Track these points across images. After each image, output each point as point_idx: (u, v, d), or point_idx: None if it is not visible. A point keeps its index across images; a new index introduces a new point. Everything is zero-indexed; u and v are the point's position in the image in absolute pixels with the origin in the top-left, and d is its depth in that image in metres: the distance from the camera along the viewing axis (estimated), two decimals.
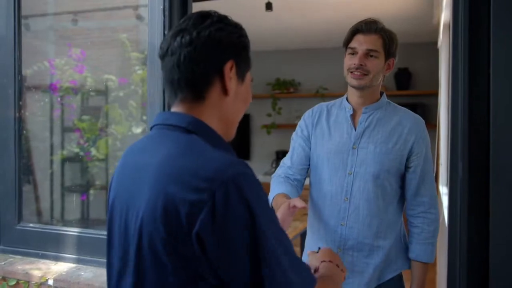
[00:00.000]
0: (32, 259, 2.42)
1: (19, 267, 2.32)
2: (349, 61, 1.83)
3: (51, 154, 2.68)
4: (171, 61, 1.06)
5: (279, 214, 1.61)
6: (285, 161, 2.01)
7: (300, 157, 1.96)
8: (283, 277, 0.94)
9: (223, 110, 1.09)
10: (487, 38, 1.51)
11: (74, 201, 2.69)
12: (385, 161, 1.81)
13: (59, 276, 2.21)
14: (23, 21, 2.52)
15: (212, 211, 0.89)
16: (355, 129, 1.86)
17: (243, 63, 1.11)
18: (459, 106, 1.58)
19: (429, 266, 1.90)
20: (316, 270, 1.24)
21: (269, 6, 4.13)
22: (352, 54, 1.83)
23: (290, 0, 4.28)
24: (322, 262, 1.26)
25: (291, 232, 3.49)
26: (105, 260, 2.31)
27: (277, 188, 1.88)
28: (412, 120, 1.86)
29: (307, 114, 2.00)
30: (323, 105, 2.00)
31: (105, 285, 2.08)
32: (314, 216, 1.95)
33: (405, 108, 1.93)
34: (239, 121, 1.17)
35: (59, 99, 2.66)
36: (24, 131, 2.56)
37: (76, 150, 2.63)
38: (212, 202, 0.89)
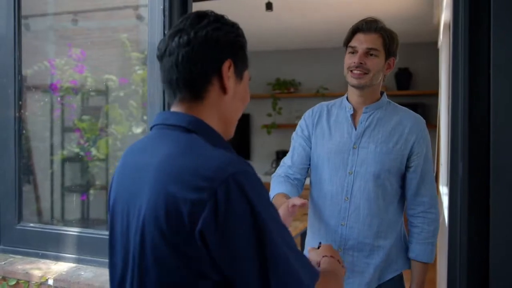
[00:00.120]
0: (32, 259, 2.42)
1: (19, 267, 2.32)
2: (349, 60, 1.83)
3: (52, 154, 2.68)
4: (169, 61, 1.06)
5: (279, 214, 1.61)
6: (286, 160, 2.01)
7: (301, 156, 1.95)
8: (289, 271, 0.94)
9: (222, 109, 1.10)
10: (487, 38, 1.50)
11: (74, 201, 2.69)
12: (386, 161, 1.80)
13: (59, 276, 2.21)
14: (23, 21, 2.52)
15: (214, 210, 0.90)
16: (356, 129, 1.86)
17: (240, 62, 1.11)
18: (459, 106, 1.58)
19: (429, 266, 1.90)
20: (317, 265, 1.25)
21: (269, 6, 4.12)
22: (352, 53, 1.83)
23: (290, 0, 4.28)
24: (323, 257, 1.27)
25: (292, 232, 3.48)
26: (105, 260, 2.31)
27: (277, 188, 1.88)
28: (413, 119, 1.86)
29: (307, 114, 2.00)
30: (323, 104, 2.00)
31: (105, 284, 2.09)
32: (314, 216, 1.95)
33: (405, 108, 1.92)
34: (237, 120, 1.18)
35: (59, 99, 2.66)
36: (25, 131, 2.56)
37: (76, 150, 2.63)
38: (214, 201, 0.90)
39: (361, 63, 1.79)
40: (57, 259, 2.39)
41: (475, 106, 1.54)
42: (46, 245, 2.42)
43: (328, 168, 1.87)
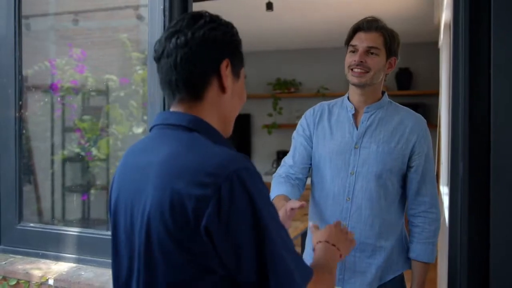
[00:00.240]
0: (33, 258, 2.42)
1: (19, 266, 2.32)
2: (350, 59, 1.83)
3: (52, 154, 2.68)
4: (167, 63, 1.07)
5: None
6: (287, 160, 2.00)
7: (302, 156, 1.95)
8: (285, 271, 0.97)
9: (221, 108, 1.11)
10: (487, 38, 1.50)
11: (74, 201, 2.69)
12: (388, 161, 1.80)
13: (59, 276, 2.21)
14: (23, 21, 2.52)
15: (218, 205, 0.92)
16: (357, 129, 1.86)
17: (237, 60, 1.13)
18: (459, 106, 1.58)
19: (430, 266, 1.89)
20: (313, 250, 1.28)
21: (269, 6, 4.13)
22: (353, 51, 1.83)
23: (290, 0, 4.28)
24: (318, 243, 1.31)
25: (292, 232, 3.49)
26: (106, 260, 2.32)
27: (277, 188, 1.87)
28: (414, 119, 1.86)
29: (308, 113, 2.00)
30: (324, 104, 1.99)
31: (105, 285, 2.09)
32: (316, 216, 1.94)
33: (406, 108, 1.92)
34: (235, 118, 1.19)
35: (59, 99, 2.66)
36: (25, 131, 2.56)
37: (77, 150, 2.63)
38: (218, 196, 0.92)
39: (361, 61, 1.79)
40: (58, 259, 2.39)
41: (475, 106, 1.54)
42: (47, 245, 2.42)
43: (329, 168, 1.87)
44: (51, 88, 2.64)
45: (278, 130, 6.71)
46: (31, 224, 2.52)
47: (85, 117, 2.61)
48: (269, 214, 0.97)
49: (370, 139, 1.83)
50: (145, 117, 2.41)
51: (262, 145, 6.95)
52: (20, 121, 2.51)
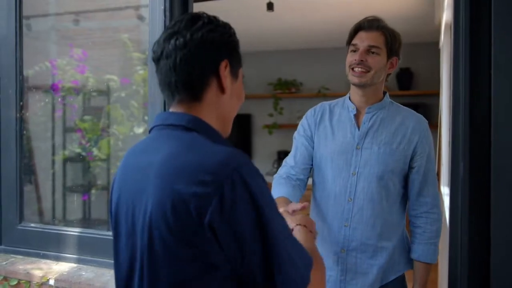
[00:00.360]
0: (33, 259, 2.42)
1: (20, 267, 2.32)
2: (351, 58, 1.82)
3: (53, 154, 2.68)
4: (166, 64, 1.08)
5: None
6: (288, 160, 1.99)
7: (304, 156, 1.94)
8: (290, 260, 0.99)
9: (220, 108, 1.12)
10: (488, 38, 1.50)
11: (75, 201, 2.69)
12: (389, 162, 1.80)
13: (60, 276, 2.21)
14: (24, 22, 2.52)
15: (221, 202, 0.93)
16: (359, 129, 1.85)
17: (235, 61, 1.14)
18: (460, 106, 1.58)
19: (432, 267, 1.88)
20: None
21: (270, 6, 4.13)
22: (354, 51, 1.82)
23: (291, 0, 4.28)
24: (296, 225, 1.33)
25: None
26: (106, 260, 2.32)
27: (278, 190, 1.85)
28: (415, 119, 1.86)
29: (309, 113, 1.99)
30: (325, 104, 1.99)
31: (106, 285, 2.09)
32: (317, 217, 1.93)
33: (407, 108, 1.92)
34: (235, 118, 1.21)
35: (60, 99, 2.66)
36: (26, 131, 2.56)
37: (78, 150, 2.63)
38: (220, 194, 0.93)
39: (362, 60, 1.78)
40: (58, 259, 2.40)
41: (475, 106, 1.54)
42: (47, 245, 2.43)
43: (331, 169, 1.87)
44: (52, 89, 2.64)
45: (279, 130, 6.71)
46: (32, 224, 2.52)
47: (86, 117, 2.61)
48: (270, 207, 0.99)
49: (372, 140, 1.83)
50: (146, 117, 2.41)
51: (263, 145, 6.95)
52: (21, 122, 2.51)
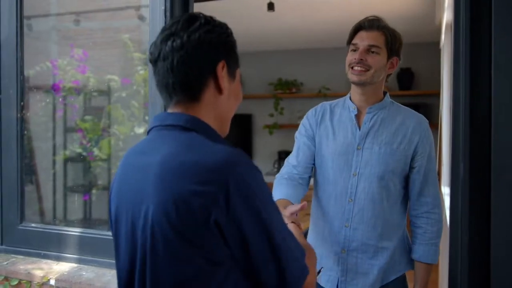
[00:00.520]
0: (34, 259, 2.42)
1: (21, 267, 2.32)
2: (351, 57, 1.82)
3: (54, 154, 2.69)
4: (164, 66, 1.08)
5: None
6: (290, 160, 1.97)
7: (306, 155, 1.93)
8: (290, 251, 1.03)
9: (218, 108, 1.13)
10: (488, 38, 1.50)
11: (76, 201, 2.69)
12: (390, 162, 1.80)
13: (61, 276, 2.22)
14: (25, 22, 2.53)
15: (226, 200, 0.95)
16: (360, 129, 1.85)
17: (232, 61, 1.14)
18: (460, 106, 1.58)
19: (433, 267, 1.88)
20: None
21: (271, 6, 4.13)
22: (354, 50, 1.82)
23: (291, 0, 4.28)
24: (290, 223, 1.41)
25: None
26: (106, 260, 2.33)
27: (279, 191, 1.84)
28: (416, 119, 1.85)
29: (310, 113, 1.99)
30: (326, 104, 1.99)
31: (107, 285, 2.10)
32: (318, 216, 1.93)
33: (408, 108, 1.91)
34: (235, 118, 1.22)
35: (61, 99, 2.66)
36: (27, 132, 2.57)
37: (79, 150, 2.64)
38: (226, 192, 0.95)
39: (361, 59, 1.78)
40: (59, 259, 2.40)
41: (476, 106, 1.54)
42: (48, 245, 2.43)
43: (332, 169, 1.87)
44: (53, 89, 2.64)
45: (280, 131, 6.71)
46: (33, 224, 2.53)
47: (87, 117, 2.61)
48: (269, 204, 1.02)
49: (373, 140, 1.83)
50: (146, 118, 2.41)
51: (264, 145, 6.95)
52: (22, 122, 2.52)
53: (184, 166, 0.98)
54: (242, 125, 6.85)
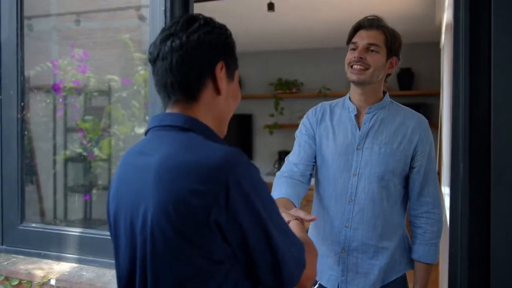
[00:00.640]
0: (35, 259, 2.43)
1: (21, 267, 2.32)
2: (350, 56, 1.82)
3: (54, 154, 2.69)
4: (163, 66, 1.09)
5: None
6: (291, 158, 1.96)
7: (307, 153, 1.92)
8: (289, 250, 1.04)
9: (216, 109, 1.13)
10: (488, 38, 1.50)
11: (76, 201, 2.70)
12: (390, 162, 1.80)
13: (61, 276, 2.22)
14: (26, 22, 2.53)
15: (226, 199, 0.95)
16: (359, 129, 1.85)
17: (231, 62, 1.15)
18: (460, 106, 1.58)
19: (433, 267, 1.88)
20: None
21: (271, 7, 4.13)
22: (354, 49, 1.82)
23: (292, 0, 4.28)
24: (292, 220, 1.42)
25: None
26: (107, 260, 2.33)
27: (279, 189, 1.82)
28: (416, 119, 1.85)
29: (310, 113, 1.99)
30: (325, 104, 1.99)
31: (107, 285, 2.10)
32: (318, 215, 1.93)
33: (408, 108, 1.91)
34: (235, 118, 1.22)
35: (62, 99, 2.66)
36: (27, 132, 2.57)
37: (79, 150, 2.64)
38: (226, 191, 0.95)
39: (361, 57, 1.78)
40: (59, 259, 2.40)
41: (475, 106, 1.54)
42: (49, 245, 2.43)
43: (332, 169, 1.87)
44: (53, 89, 2.64)
45: (280, 131, 6.71)
46: (33, 224, 2.53)
47: (87, 117, 2.62)
48: (268, 202, 1.04)
49: (373, 140, 1.83)
50: (146, 118, 2.42)
51: (264, 146, 6.95)
52: (22, 122, 2.52)
53: (183, 166, 0.98)
54: (242, 125, 6.84)
